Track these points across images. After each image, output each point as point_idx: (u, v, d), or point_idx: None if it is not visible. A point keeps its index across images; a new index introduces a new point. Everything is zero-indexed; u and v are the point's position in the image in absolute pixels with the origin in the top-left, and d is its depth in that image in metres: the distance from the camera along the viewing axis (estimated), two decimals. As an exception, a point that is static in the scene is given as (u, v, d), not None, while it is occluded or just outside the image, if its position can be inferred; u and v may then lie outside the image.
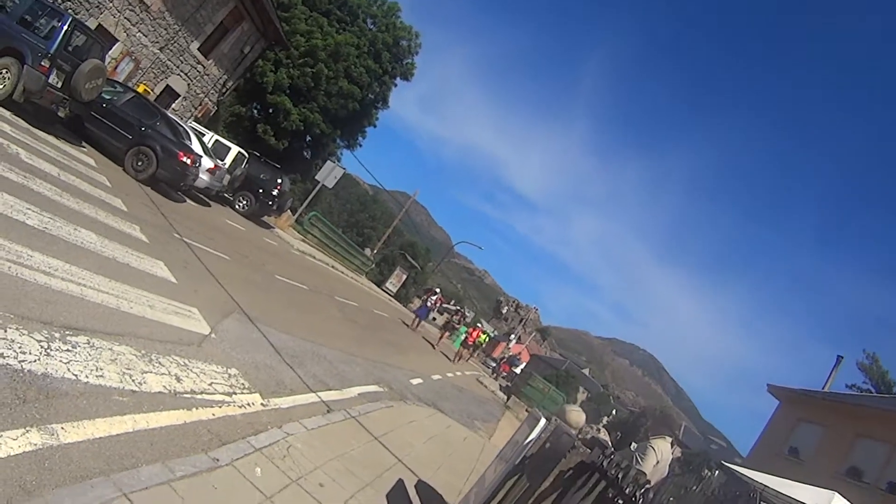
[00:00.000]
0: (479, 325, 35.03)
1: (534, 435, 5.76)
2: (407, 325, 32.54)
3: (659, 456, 7.65)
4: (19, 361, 4.50)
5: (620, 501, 4.34)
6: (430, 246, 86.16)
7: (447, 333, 33.62)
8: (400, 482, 7.76)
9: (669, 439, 8.12)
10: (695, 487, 18.79)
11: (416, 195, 67.91)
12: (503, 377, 48.48)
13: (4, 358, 4.41)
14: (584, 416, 7.65)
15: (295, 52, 43.33)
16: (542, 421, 5.90)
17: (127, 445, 4.56)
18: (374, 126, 53.84)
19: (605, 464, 4.77)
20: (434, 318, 50.21)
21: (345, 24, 47.71)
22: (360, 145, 54.56)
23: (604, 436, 7.76)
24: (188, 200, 19.55)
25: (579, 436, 6.70)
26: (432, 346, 30.52)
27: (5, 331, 4.77)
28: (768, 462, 24.31)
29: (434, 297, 35.42)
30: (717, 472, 19.53)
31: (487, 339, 45.35)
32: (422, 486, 8.26)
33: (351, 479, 6.81)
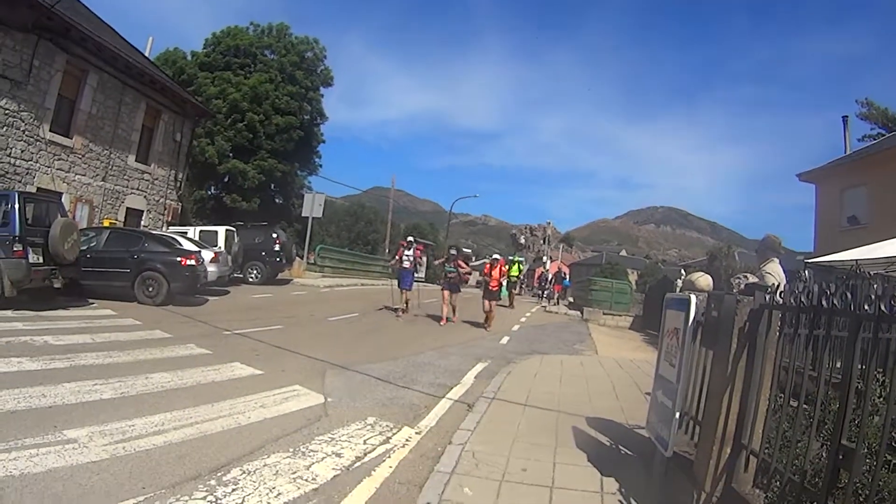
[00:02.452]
0: (496, 257, 22.15)
1: (693, 313, 5.67)
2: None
3: (777, 278, 7.58)
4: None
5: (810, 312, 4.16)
6: (427, 220, 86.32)
7: (448, 293, 20.54)
8: (577, 430, 7.68)
9: (777, 260, 8.06)
10: (801, 289, 18.46)
11: (393, 181, 67.60)
12: (559, 297, 47.00)
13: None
14: (710, 278, 7.49)
15: (220, 116, 43.34)
16: (693, 298, 5.73)
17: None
18: (324, 142, 54.07)
19: (777, 296, 4.68)
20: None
21: (248, 68, 47.62)
22: (321, 166, 54.53)
23: (752, 278, 7.56)
24: (209, 298, 19.27)
25: (734, 290, 6.57)
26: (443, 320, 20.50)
27: (171, 507, 4.53)
28: (835, 242, 24.11)
29: (409, 252, 21.70)
30: (805, 271, 19.23)
31: (522, 270, 42.69)
32: (593, 422, 8.18)
33: (540, 450, 6.73)
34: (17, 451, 5.16)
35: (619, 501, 5.36)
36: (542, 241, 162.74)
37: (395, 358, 12.50)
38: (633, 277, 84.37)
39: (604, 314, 30.71)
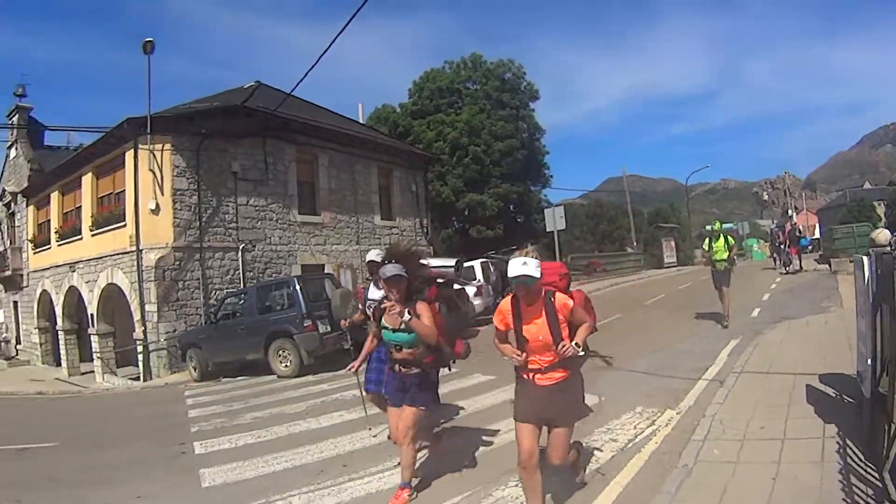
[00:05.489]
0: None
1: (867, 272, 6.53)
2: None
3: None
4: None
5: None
6: (666, 200, 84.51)
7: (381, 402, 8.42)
8: (809, 387, 8.50)
9: None
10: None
11: (624, 171, 67.98)
12: (799, 260, 41.30)
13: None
14: (888, 233, 8.11)
15: (445, 157, 45.88)
16: (865, 259, 6.71)
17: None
18: (548, 153, 55.69)
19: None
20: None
21: (456, 105, 50.11)
22: (551, 177, 56.32)
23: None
24: (479, 329, 20.34)
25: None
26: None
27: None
28: None
29: (377, 294, 8.26)
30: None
31: (731, 242, 32.14)
32: (825, 377, 8.93)
33: (775, 410, 7.74)
34: (369, 476, 7.40)
35: (837, 443, 6.40)
36: (783, 194, 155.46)
37: (658, 350, 13.72)
38: (880, 210, 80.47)
39: (850, 262, 29.57)
